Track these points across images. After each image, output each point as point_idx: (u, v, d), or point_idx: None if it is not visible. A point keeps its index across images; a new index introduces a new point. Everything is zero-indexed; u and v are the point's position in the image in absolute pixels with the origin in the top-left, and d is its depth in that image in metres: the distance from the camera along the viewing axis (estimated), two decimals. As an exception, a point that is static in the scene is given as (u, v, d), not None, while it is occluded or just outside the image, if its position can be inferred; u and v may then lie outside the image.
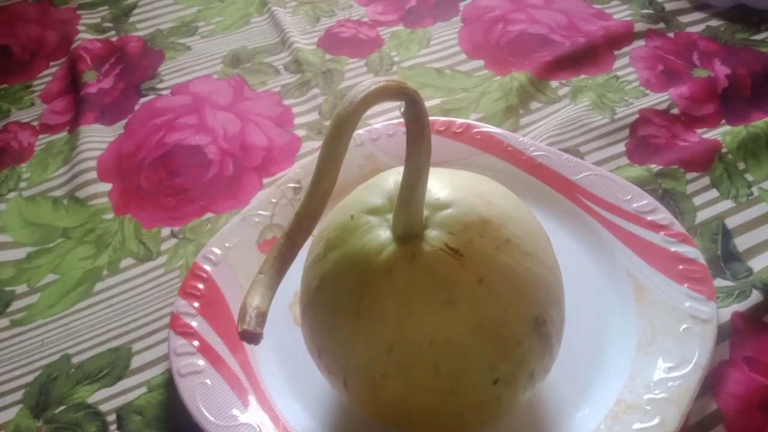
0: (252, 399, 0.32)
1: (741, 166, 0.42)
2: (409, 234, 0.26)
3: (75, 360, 0.36)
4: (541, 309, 0.26)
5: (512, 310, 0.26)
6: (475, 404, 0.27)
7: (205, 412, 0.31)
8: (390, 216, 0.27)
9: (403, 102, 0.23)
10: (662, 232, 0.36)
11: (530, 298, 0.26)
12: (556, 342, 0.28)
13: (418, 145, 0.24)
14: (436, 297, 0.25)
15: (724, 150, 0.43)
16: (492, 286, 0.25)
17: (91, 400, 0.35)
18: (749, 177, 0.41)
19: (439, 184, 0.28)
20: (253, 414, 0.32)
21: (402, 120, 0.43)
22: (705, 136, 0.44)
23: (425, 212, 0.27)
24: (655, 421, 0.29)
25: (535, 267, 0.27)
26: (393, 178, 0.29)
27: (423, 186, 0.26)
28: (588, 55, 0.50)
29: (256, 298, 0.21)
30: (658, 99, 0.46)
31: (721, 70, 0.48)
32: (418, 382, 0.26)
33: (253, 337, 0.20)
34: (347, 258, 0.26)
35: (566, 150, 0.43)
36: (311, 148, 0.47)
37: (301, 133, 0.48)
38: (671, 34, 0.51)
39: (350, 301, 0.26)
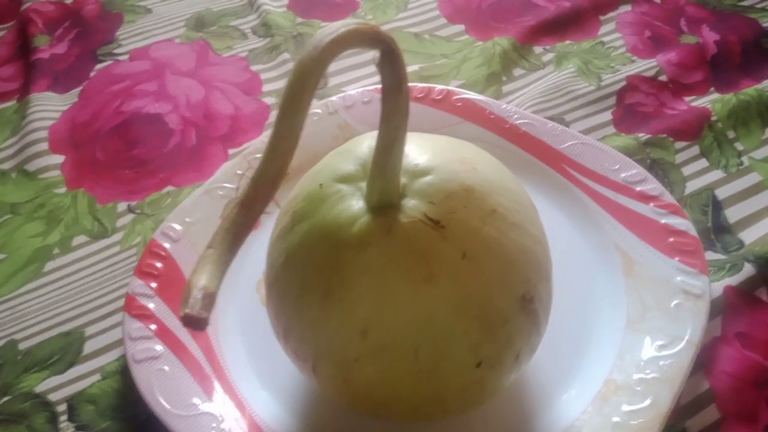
0: (215, 386, 0.30)
1: (731, 134, 0.41)
2: (384, 204, 0.24)
3: (22, 346, 0.34)
4: (529, 285, 0.24)
5: (498, 286, 0.24)
6: (456, 388, 0.25)
7: (162, 400, 0.29)
8: (363, 184, 0.25)
9: (378, 51, 0.20)
10: (652, 203, 0.35)
11: (517, 274, 0.24)
12: (544, 320, 0.26)
13: (394, 101, 0.21)
14: (414, 273, 0.23)
15: (713, 118, 0.41)
16: (476, 260, 0.23)
17: (39, 389, 0.33)
18: (739, 146, 0.40)
19: (418, 149, 0.26)
20: (215, 402, 0.29)
21: (379, 87, 0.41)
22: (694, 104, 0.43)
23: (403, 179, 0.24)
24: (647, 402, 0.28)
25: (523, 240, 0.24)
26: (367, 142, 0.26)
27: (400, 149, 0.23)
28: (573, 20, 0.49)
29: (203, 276, 0.18)
30: (645, 66, 0.45)
31: (709, 36, 0.47)
32: (395, 366, 0.24)
33: (197, 322, 0.17)
34: (316, 231, 0.24)
35: (551, 118, 0.41)
36: (281, 117, 0.44)
37: (270, 100, 0.46)
38: (658, 0, 0.50)
39: (319, 279, 0.24)
